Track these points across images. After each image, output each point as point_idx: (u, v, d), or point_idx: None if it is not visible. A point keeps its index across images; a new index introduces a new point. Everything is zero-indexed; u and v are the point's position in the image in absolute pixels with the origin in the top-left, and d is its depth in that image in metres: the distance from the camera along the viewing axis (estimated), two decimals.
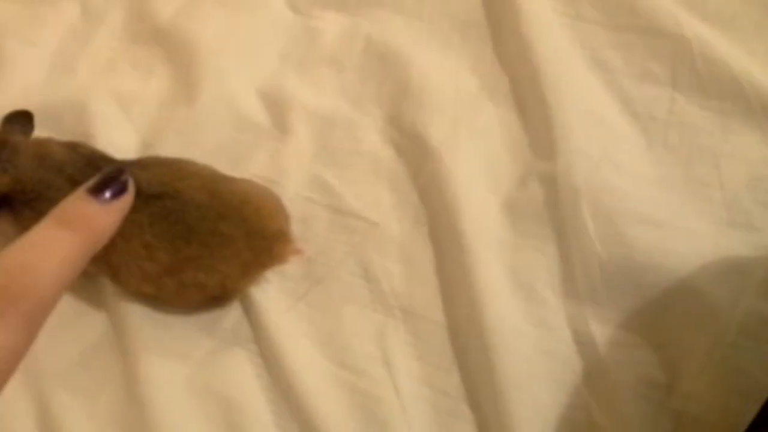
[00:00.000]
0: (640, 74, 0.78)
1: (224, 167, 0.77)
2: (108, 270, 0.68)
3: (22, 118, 0.75)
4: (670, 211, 0.69)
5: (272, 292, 0.71)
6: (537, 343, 0.65)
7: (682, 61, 0.77)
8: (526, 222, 0.71)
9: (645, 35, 0.79)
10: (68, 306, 0.72)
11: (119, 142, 0.77)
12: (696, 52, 0.77)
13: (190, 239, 0.65)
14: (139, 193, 0.64)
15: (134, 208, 0.64)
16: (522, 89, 0.79)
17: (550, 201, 0.71)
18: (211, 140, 0.80)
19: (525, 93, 0.78)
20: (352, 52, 0.85)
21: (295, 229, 0.74)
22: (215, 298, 0.70)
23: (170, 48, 0.87)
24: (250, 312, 0.70)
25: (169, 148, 0.77)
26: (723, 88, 0.75)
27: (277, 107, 0.82)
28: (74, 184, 0.65)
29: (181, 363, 0.68)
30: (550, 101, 0.75)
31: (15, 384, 0.67)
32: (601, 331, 0.65)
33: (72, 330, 0.71)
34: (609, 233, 0.67)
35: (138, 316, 0.70)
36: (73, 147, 0.71)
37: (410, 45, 0.84)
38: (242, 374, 0.67)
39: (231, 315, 0.70)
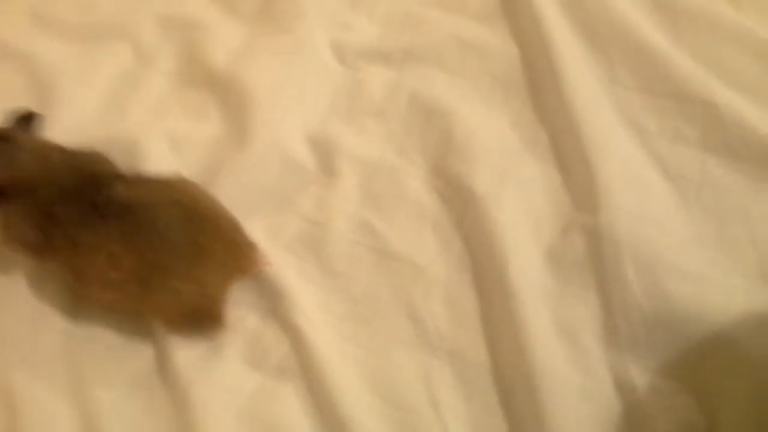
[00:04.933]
0: (672, 136, 0.82)
1: (273, 209, 0.81)
2: (71, 274, 0.72)
3: (29, 119, 0.78)
4: (706, 267, 0.72)
5: (318, 329, 0.73)
6: (580, 388, 0.67)
7: (712, 125, 0.81)
8: (569, 271, 0.74)
9: (677, 100, 0.83)
10: (115, 337, 0.74)
11: None
12: (726, 117, 0.80)
13: (161, 250, 0.68)
14: (114, 205, 0.69)
15: (105, 221, 0.68)
16: (561, 146, 0.83)
17: (592, 252, 0.73)
18: (260, 183, 0.83)
19: (564, 150, 0.82)
20: (397, 104, 0.89)
21: (340, 267, 0.77)
22: (198, 310, 0.71)
23: (223, 93, 0.91)
24: (297, 348, 0.72)
25: (219, 189, 0.80)
26: (752, 151, 0.78)
27: (324, 153, 0.85)
28: (58, 185, 0.70)
29: (232, 396, 0.70)
30: (590, 158, 0.78)
31: (65, 409, 0.70)
32: (641, 378, 0.67)
33: (119, 361, 0.73)
34: (650, 285, 0.70)
35: (185, 349, 0.72)
36: (72, 153, 0.75)
37: (453, 99, 0.88)
38: (291, 409, 0.69)
39: (278, 350, 0.72)
